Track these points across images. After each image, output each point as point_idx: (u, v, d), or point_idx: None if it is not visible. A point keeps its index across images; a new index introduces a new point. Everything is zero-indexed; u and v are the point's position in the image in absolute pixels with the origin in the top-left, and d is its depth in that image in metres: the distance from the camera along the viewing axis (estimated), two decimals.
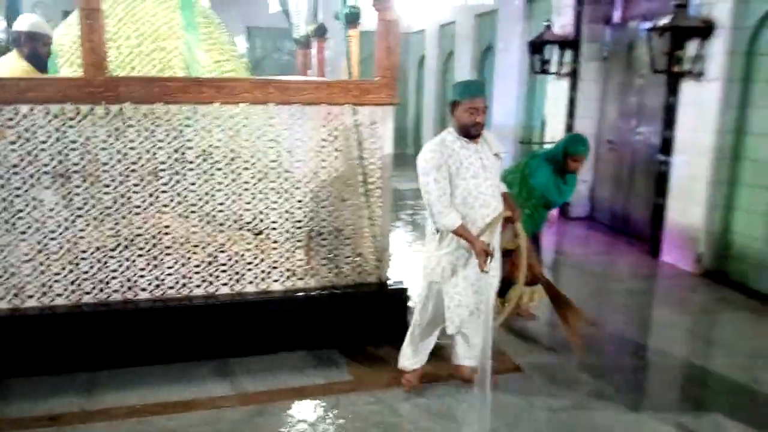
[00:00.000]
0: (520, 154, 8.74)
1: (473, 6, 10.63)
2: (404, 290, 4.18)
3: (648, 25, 5.74)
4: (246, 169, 3.74)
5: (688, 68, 5.46)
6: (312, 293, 3.97)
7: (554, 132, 7.80)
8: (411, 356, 3.56)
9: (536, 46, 7.52)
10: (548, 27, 7.49)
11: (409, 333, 3.57)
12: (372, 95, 3.81)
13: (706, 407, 3.46)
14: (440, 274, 3.28)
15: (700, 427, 3.23)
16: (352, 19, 4.98)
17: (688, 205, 5.68)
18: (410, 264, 6.07)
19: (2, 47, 5.15)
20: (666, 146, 5.94)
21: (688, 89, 5.63)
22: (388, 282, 4.15)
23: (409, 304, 4.20)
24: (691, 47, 5.41)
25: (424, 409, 3.35)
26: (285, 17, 8.00)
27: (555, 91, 7.98)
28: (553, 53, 7.56)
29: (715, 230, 5.54)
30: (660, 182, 6.03)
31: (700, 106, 5.49)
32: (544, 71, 7.64)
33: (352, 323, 4.05)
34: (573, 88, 7.60)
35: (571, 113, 7.61)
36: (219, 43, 4.59)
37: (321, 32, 6.92)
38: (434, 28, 12.57)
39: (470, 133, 3.18)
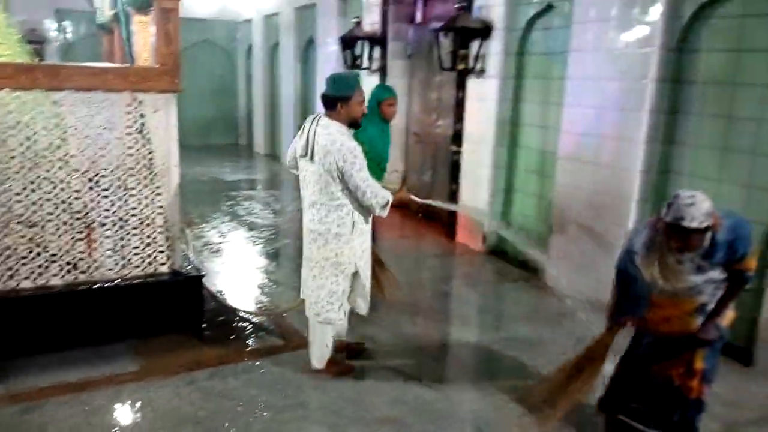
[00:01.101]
0: None
1: None
2: (198, 278, 4.22)
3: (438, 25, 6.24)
4: (13, 158, 3.56)
5: (472, 66, 6.02)
6: (96, 286, 3.87)
7: None
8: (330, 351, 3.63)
9: (347, 42, 7.82)
10: (358, 24, 7.83)
11: (321, 333, 3.55)
12: (152, 82, 3.79)
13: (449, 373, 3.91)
14: (358, 262, 3.42)
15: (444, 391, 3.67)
16: (140, 5, 4.86)
17: (475, 189, 6.29)
18: (227, 253, 6.11)
19: None
20: (458, 137, 6.51)
21: (472, 85, 6.22)
22: (182, 271, 4.17)
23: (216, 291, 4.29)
24: (474, 47, 5.97)
25: (206, 391, 3.43)
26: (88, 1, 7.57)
27: (367, 85, 8.33)
28: (364, 49, 7.91)
29: (497, 212, 6.20)
30: (454, 170, 6.59)
31: (483, 100, 6.09)
32: (356, 66, 7.97)
33: (142, 314, 4.01)
34: (383, 83, 8.01)
35: None
36: None
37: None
38: (260, 19, 12.53)
39: (359, 123, 3.38)
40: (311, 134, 3.28)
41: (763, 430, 3.28)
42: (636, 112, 4.49)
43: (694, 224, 2.45)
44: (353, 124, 3.39)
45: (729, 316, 2.86)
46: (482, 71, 6.03)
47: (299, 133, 3.41)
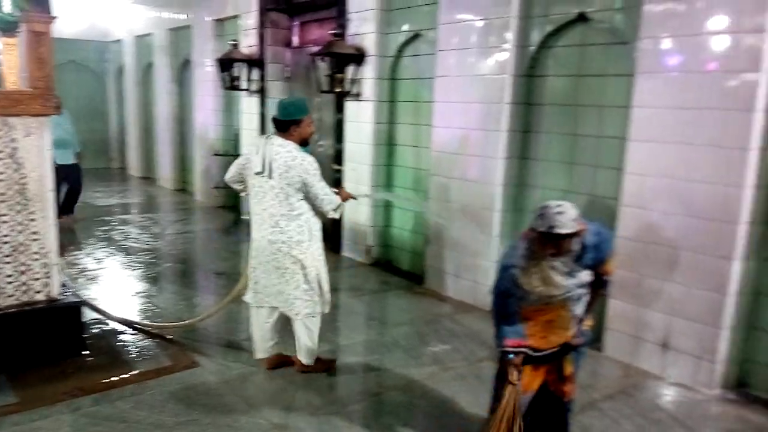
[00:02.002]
0: (219, 165, 9.05)
1: (167, 20, 10.63)
2: (77, 304, 4.14)
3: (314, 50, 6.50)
4: None
5: (348, 89, 6.34)
6: None
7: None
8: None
9: (225, 64, 7.88)
10: (235, 46, 7.91)
11: (309, 330, 3.85)
12: (23, 106, 3.71)
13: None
14: (318, 265, 3.78)
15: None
16: (7, 27, 4.68)
17: (357, 206, 6.56)
18: (105, 280, 5.93)
19: None
20: (338, 157, 6.79)
21: (350, 107, 6.54)
22: (59, 299, 4.06)
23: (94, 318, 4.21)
24: (350, 71, 6.29)
25: (93, 416, 3.39)
26: None
27: (248, 106, 8.45)
28: (242, 71, 8.01)
29: (379, 225, 6.54)
30: (337, 188, 6.82)
31: (360, 122, 6.42)
32: (235, 87, 8.04)
33: (18, 345, 3.87)
34: (263, 104, 8.14)
35: (263, 127, 8.15)
36: None
37: None
38: (131, 39, 12.18)
39: (309, 142, 3.78)
40: (267, 153, 3.57)
41: (616, 404, 3.76)
42: (495, 132, 4.99)
43: (565, 230, 2.68)
44: (303, 143, 3.70)
45: (588, 321, 3.18)
46: (358, 94, 6.36)
47: (253, 152, 3.66)
